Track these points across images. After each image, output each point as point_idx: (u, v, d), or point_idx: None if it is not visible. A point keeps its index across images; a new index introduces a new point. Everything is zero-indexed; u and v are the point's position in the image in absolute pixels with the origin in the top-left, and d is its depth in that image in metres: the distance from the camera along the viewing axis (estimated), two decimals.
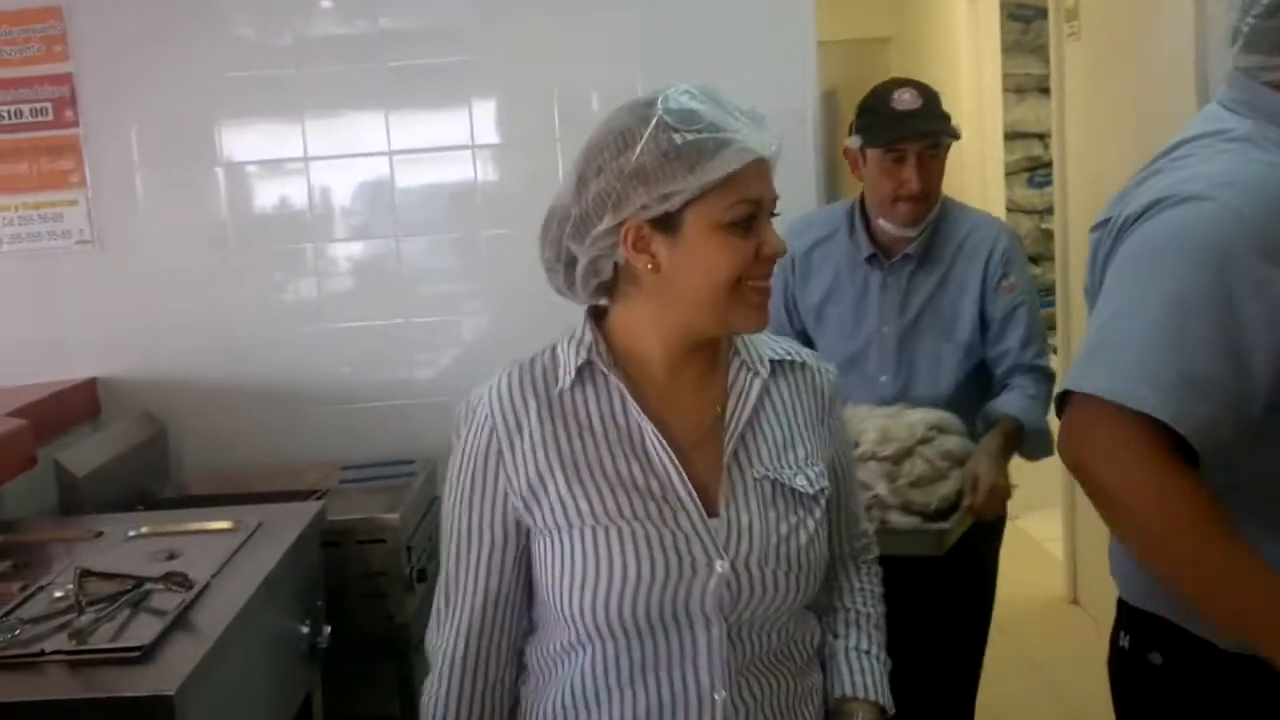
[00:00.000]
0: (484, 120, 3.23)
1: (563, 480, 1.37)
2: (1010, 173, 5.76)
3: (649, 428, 1.38)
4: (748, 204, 1.32)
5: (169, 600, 1.94)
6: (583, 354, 1.40)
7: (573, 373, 1.40)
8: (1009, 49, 5.70)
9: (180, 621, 1.88)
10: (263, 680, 2.13)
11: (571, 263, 1.40)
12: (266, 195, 3.24)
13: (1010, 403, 2.46)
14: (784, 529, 1.40)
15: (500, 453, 1.39)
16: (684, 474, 1.37)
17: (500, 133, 3.23)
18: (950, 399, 2.51)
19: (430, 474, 3.05)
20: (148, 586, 1.98)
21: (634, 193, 1.30)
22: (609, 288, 1.41)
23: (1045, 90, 5.02)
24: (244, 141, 3.21)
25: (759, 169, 1.32)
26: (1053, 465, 4.73)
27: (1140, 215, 1.46)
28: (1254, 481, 1.43)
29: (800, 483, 1.43)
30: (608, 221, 1.33)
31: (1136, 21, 3.70)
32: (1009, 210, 5.68)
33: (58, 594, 1.98)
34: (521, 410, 1.40)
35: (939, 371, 2.53)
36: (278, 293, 3.25)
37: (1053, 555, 4.82)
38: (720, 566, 1.35)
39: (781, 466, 1.43)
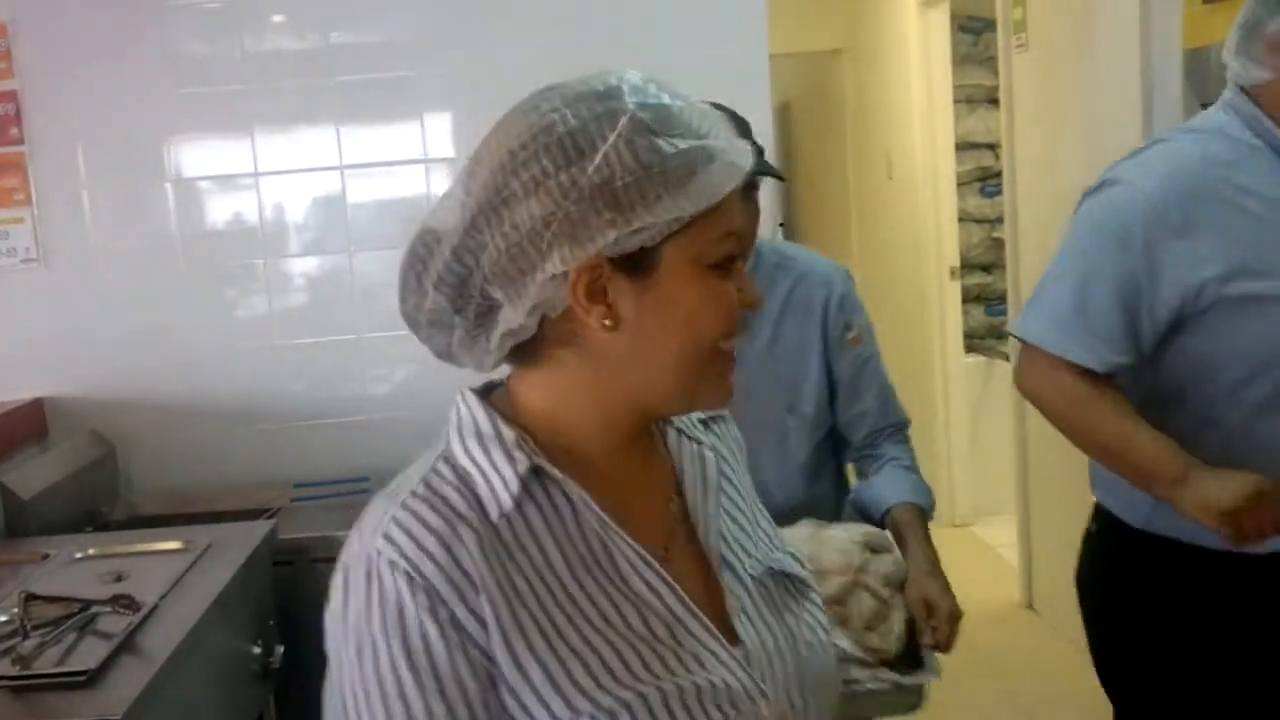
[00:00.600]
0: (436, 134, 3.22)
1: (545, 650, 0.94)
2: (962, 183, 5.81)
3: (622, 545, 1.00)
4: (734, 237, 1.00)
5: (116, 623, 1.92)
6: (520, 457, 0.99)
7: (514, 487, 0.98)
8: (959, 61, 5.75)
9: (127, 644, 1.86)
10: (213, 702, 2.11)
11: (487, 313, 0.99)
12: (217, 211, 3.22)
13: (898, 487, 2.10)
14: (807, 635, 1.08)
15: (453, 618, 0.93)
16: (685, 598, 1.00)
17: (453, 146, 3.22)
18: (802, 479, 2.14)
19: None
20: (94, 609, 1.96)
21: (597, 219, 0.93)
22: (522, 349, 1.02)
23: (995, 101, 5.08)
24: (193, 157, 3.19)
25: (738, 191, 0.99)
26: (1007, 473, 4.79)
27: (1091, 191, 1.92)
28: (1155, 392, 1.89)
29: (793, 565, 1.13)
30: (560, 259, 0.94)
31: (1082, 32, 3.76)
32: (961, 219, 5.73)
33: (2, 618, 1.95)
34: (460, 549, 0.95)
35: (786, 449, 2.13)
36: (229, 309, 3.22)
37: (1007, 561, 4.86)
38: (766, 710, 1.01)
39: (767, 550, 1.12)
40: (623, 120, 0.95)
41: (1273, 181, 1.82)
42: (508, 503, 0.98)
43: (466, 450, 1.01)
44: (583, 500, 1.00)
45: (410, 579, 0.93)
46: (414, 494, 0.98)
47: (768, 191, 3.08)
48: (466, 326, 1.00)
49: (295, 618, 2.53)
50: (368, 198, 3.22)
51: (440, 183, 3.21)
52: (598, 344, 0.99)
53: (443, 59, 3.16)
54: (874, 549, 1.96)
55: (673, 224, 0.96)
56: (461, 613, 0.93)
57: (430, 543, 0.94)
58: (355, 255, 3.23)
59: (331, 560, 2.56)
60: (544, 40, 3.13)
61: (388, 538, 0.95)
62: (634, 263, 0.97)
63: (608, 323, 0.97)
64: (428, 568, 0.93)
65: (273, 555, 2.47)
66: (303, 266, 3.24)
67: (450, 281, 0.99)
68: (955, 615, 1.89)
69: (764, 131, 3.15)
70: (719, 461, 1.13)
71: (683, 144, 0.95)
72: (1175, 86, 3.22)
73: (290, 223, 3.23)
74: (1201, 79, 3.09)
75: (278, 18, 3.17)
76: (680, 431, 1.11)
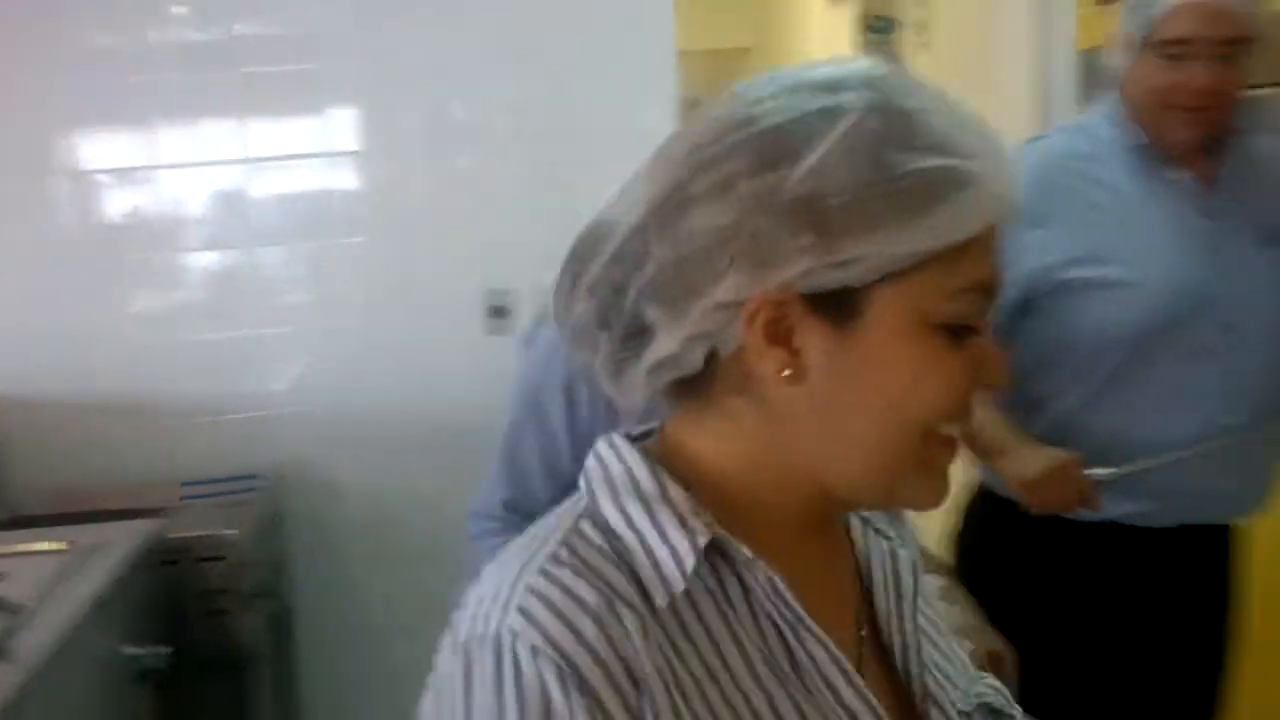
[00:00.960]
0: (340, 128, 3.19)
1: None
2: None
3: (815, 648, 0.79)
4: (981, 294, 0.77)
5: None
6: (698, 526, 0.77)
7: (690, 564, 0.76)
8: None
9: None
10: (92, 705, 2.08)
11: (638, 335, 0.79)
12: (113, 205, 3.15)
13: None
14: None
15: None
16: None
17: (356, 140, 3.19)
18: None
19: (275, 488, 3.01)
20: None
21: (791, 242, 0.73)
22: (687, 387, 0.81)
23: None
24: (91, 150, 3.12)
25: (997, 231, 0.77)
26: None
27: None
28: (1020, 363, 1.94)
29: (1001, 700, 0.94)
30: (735, 286, 0.75)
31: (981, 32, 3.82)
32: None
33: None
34: (620, 635, 0.72)
35: None
36: (125, 305, 3.16)
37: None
38: None
39: (966, 678, 0.92)
40: (844, 121, 0.74)
41: (1124, 175, 1.94)
42: (679, 582, 0.75)
43: (623, 511, 0.79)
44: (771, 588, 0.78)
45: (559, 669, 0.70)
46: (555, 559, 0.76)
47: None
48: (612, 348, 0.81)
49: (180, 618, 2.50)
50: (269, 192, 3.18)
51: (345, 178, 3.19)
52: (775, 397, 0.77)
53: (347, 52, 3.12)
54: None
55: (892, 262, 0.73)
56: (621, 716, 0.71)
57: (585, 625, 0.72)
58: (255, 250, 3.19)
59: (217, 560, 2.52)
60: (447, 33, 3.11)
61: (524, 613, 0.72)
62: (832, 304, 0.75)
63: (788, 372, 0.76)
64: (581, 657, 0.71)
65: (160, 555, 2.43)
66: (202, 261, 3.19)
67: (603, 289, 0.80)
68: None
69: (671, 128, 3.16)
70: (913, 568, 0.91)
71: (924, 161, 0.73)
72: (1069, 86, 3.28)
73: (189, 217, 3.18)
74: (1096, 79, 3.16)
75: (179, 9, 3.12)
76: (865, 522, 0.91)
